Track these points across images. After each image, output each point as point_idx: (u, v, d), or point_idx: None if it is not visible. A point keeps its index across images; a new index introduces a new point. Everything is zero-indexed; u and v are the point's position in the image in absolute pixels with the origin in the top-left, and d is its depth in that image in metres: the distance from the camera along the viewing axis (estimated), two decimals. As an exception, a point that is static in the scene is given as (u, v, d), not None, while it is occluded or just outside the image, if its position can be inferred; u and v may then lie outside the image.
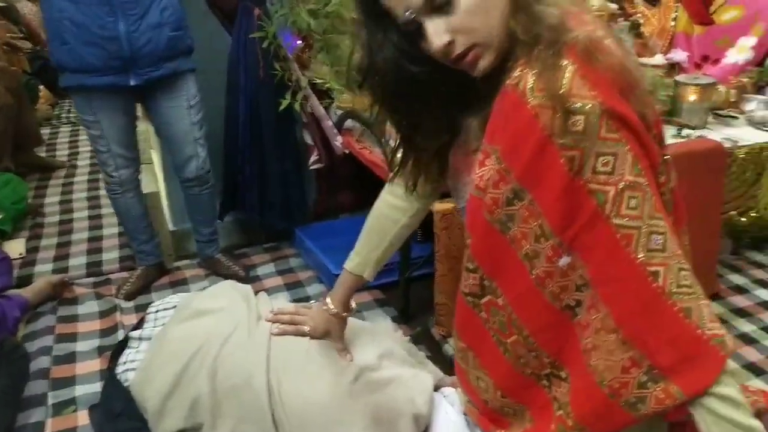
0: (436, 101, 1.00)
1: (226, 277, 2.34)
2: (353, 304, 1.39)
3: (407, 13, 0.87)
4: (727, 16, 2.82)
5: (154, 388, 1.37)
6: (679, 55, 2.88)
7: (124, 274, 2.38)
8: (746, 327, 2.10)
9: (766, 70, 2.80)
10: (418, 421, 1.36)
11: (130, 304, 2.21)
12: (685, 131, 2.29)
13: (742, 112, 2.53)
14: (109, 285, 2.33)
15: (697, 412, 0.87)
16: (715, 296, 2.26)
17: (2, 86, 3.02)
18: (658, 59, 2.74)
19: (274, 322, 1.43)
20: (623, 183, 0.84)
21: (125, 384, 1.44)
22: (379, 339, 1.52)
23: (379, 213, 1.30)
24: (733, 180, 2.26)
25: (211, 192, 2.32)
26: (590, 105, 0.82)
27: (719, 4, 2.82)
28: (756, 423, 0.85)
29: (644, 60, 2.73)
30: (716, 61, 2.89)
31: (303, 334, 1.40)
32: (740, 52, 2.81)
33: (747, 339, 2.04)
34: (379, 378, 1.38)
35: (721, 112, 2.50)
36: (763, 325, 2.11)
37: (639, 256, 0.85)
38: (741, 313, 2.18)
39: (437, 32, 0.87)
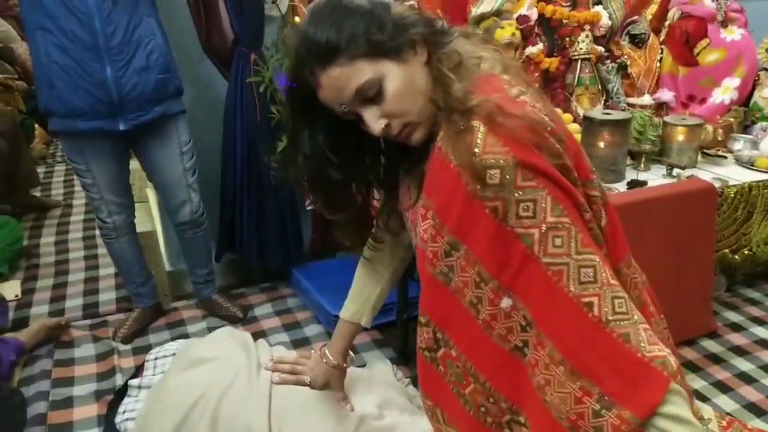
0: (354, 177, 1.10)
1: (224, 318, 2.35)
2: (351, 354, 1.40)
3: (342, 107, 0.96)
4: (710, 57, 2.90)
5: (153, 439, 1.37)
6: (666, 94, 2.95)
7: (121, 316, 2.38)
8: (745, 366, 2.11)
9: (751, 109, 2.88)
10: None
11: (128, 346, 2.20)
12: (675, 171, 2.34)
13: (730, 151, 2.60)
14: (106, 327, 2.33)
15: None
16: (712, 334, 2.29)
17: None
18: (646, 99, 2.80)
19: (274, 371, 1.44)
20: (545, 225, 0.91)
21: (124, 433, 1.44)
22: (378, 386, 1.54)
23: (365, 269, 1.34)
24: (725, 218, 2.31)
25: (205, 234, 2.34)
26: (503, 159, 0.90)
27: (702, 46, 2.90)
28: None
29: (632, 100, 2.80)
30: (702, 101, 2.97)
31: (303, 384, 1.40)
32: (725, 92, 2.89)
33: (746, 378, 2.05)
34: (379, 426, 1.39)
35: (709, 151, 2.56)
36: (761, 363, 2.13)
37: (571, 290, 0.90)
38: (739, 351, 2.20)
39: (373, 119, 0.97)
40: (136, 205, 2.31)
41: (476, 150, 0.90)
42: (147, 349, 2.02)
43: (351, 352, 1.39)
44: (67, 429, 1.80)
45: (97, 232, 2.30)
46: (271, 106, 2.30)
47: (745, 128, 2.80)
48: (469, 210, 0.94)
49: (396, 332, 2.19)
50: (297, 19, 2.38)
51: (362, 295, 1.33)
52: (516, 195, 0.90)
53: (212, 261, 2.44)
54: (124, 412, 1.49)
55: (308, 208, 2.48)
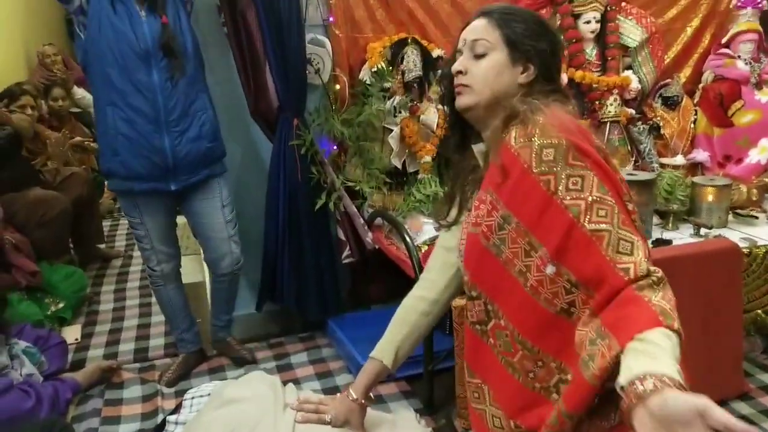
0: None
1: (235, 360, 2.49)
2: (372, 396, 1.49)
3: (461, 45, 1.23)
4: (745, 118, 2.95)
5: (185, 471, 1.48)
6: (701, 155, 2.99)
7: (168, 360, 2.54)
8: (775, 429, 2.07)
9: (788, 169, 2.87)
10: None
11: (171, 390, 2.35)
12: (703, 230, 2.36)
13: (764, 211, 2.59)
14: (153, 370, 2.49)
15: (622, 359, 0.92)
16: (744, 396, 2.25)
17: (68, 193, 3.35)
18: (679, 159, 2.84)
19: (299, 410, 1.54)
20: (591, 197, 1.03)
21: (160, 466, 1.56)
22: (398, 426, 1.61)
23: (406, 305, 1.45)
24: (755, 278, 2.30)
25: (237, 282, 2.50)
26: (557, 140, 1.05)
27: (737, 107, 2.95)
28: (672, 361, 0.88)
29: (665, 160, 2.85)
30: (739, 161, 2.99)
31: (324, 422, 1.50)
32: (762, 152, 2.91)
33: (776, 441, 2.01)
34: (396, 468, 1.46)
35: (741, 211, 2.57)
36: (792, 426, 2.08)
37: (609, 255, 1.00)
38: (770, 413, 2.16)
39: (462, 61, 1.21)
40: (186, 257, 2.50)
41: (535, 135, 1.07)
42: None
43: (371, 395, 1.48)
44: (111, 463, 1.94)
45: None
46: (311, 167, 2.47)
47: (783, 188, 2.78)
48: (523, 185, 1.08)
49: (423, 384, 2.25)
50: (338, 86, 2.58)
51: (392, 336, 1.43)
52: (567, 170, 1.04)
53: (233, 309, 2.58)
54: (160, 445, 1.62)
55: (345, 261, 2.62)
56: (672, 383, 0.82)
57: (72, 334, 2.75)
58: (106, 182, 4.60)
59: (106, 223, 4.30)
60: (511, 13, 1.21)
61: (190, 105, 2.14)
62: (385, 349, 1.43)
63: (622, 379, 0.87)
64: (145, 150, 2.10)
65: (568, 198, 1.04)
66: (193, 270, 2.67)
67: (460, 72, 1.20)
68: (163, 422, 1.70)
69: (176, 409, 1.74)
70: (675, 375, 0.84)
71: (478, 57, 1.19)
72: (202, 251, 2.94)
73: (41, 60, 4.90)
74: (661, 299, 0.96)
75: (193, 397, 1.74)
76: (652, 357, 0.87)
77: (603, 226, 1.02)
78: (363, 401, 1.47)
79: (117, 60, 2.03)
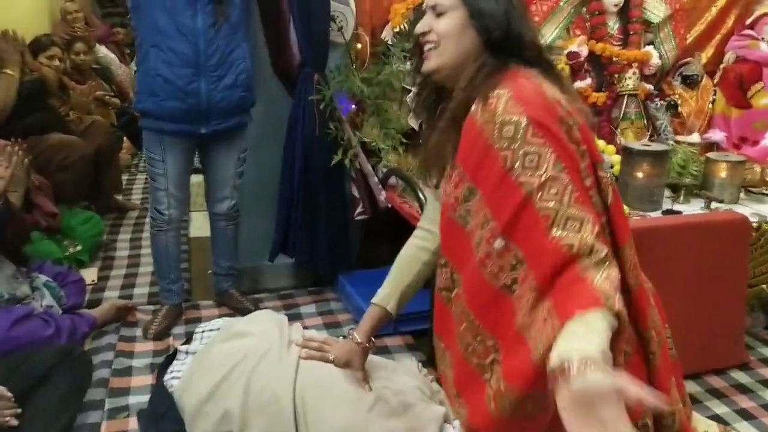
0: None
1: (236, 310, 2.54)
2: (373, 340, 1.54)
3: (425, 5, 1.24)
4: (764, 101, 2.94)
5: (193, 394, 1.55)
6: (717, 134, 2.99)
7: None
8: (773, 398, 2.12)
9: (803, 152, 2.87)
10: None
11: (182, 330, 2.42)
12: (714, 204, 2.39)
13: (776, 190, 2.60)
14: (166, 313, 2.56)
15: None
16: (744, 366, 2.29)
17: (90, 141, 3.42)
18: (695, 137, 2.86)
19: (303, 347, 1.60)
20: (546, 176, 1.05)
21: (170, 390, 1.62)
22: (400, 376, 1.66)
23: (405, 253, 1.49)
24: (762, 254, 2.32)
25: (235, 228, 2.56)
26: (517, 117, 1.07)
27: (756, 89, 2.94)
28: (601, 342, 0.90)
29: (680, 138, 2.86)
30: (755, 143, 2.99)
31: (327, 361, 1.56)
32: (778, 134, 2.90)
33: (770, 409, 2.06)
34: (394, 407, 1.51)
35: (754, 189, 2.58)
36: (790, 397, 2.12)
37: (555, 233, 1.02)
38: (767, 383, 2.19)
39: (423, 22, 1.23)
40: (198, 213, 2.56)
41: (498, 110, 1.09)
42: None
43: (372, 339, 1.54)
44: (124, 393, 2.02)
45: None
46: (329, 122, 2.51)
47: (797, 171, 2.79)
48: (484, 158, 1.11)
49: (427, 339, 2.30)
50: (359, 45, 2.61)
51: (394, 283, 1.49)
52: (525, 148, 1.06)
53: (236, 257, 2.63)
54: (171, 372, 1.67)
55: (357, 218, 2.66)
56: (595, 365, 0.84)
57: (89, 275, 2.83)
58: (124, 138, 4.72)
59: (123, 177, 4.36)
60: None
61: (230, 53, 2.20)
62: (389, 296, 1.49)
63: (553, 358, 0.89)
64: (181, 93, 2.17)
65: (523, 175, 1.06)
66: (204, 225, 2.72)
67: (425, 32, 1.22)
68: (175, 352, 1.77)
69: (187, 341, 1.81)
70: (598, 357, 0.85)
71: (439, 16, 1.20)
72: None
73: (63, 16, 4.95)
74: (605, 280, 0.98)
75: (203, 331, 1.81)
76: (580, 338, 0.90)
77: (552, 204, 1.03)
78: (366, 345, 1.53)
79: (164, 3, 2.09)
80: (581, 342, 0.88)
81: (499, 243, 1.09)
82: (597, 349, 0.87)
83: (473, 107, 1.16)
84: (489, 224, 1.10)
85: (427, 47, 1.23)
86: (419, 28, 1.23)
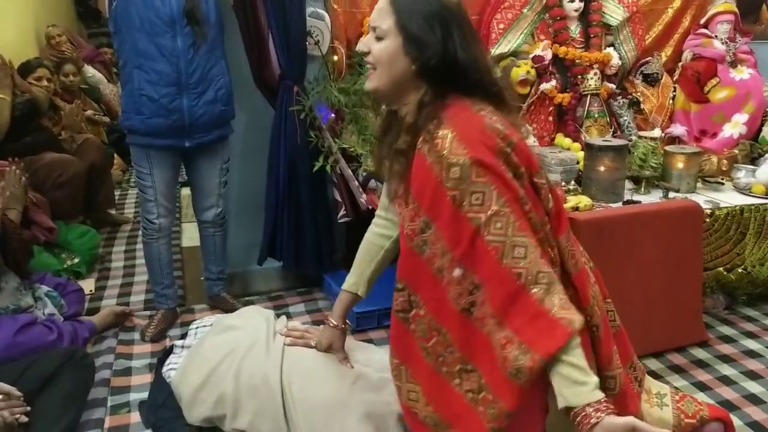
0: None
1: (229, 312, 2.65)
2: (348, 323, 1.70)
3: (369, 25, 1.32)
4: (720, 95, 3.12)
5: (189, 383, 1.69)
6: (678, 129, 3.16)
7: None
8: (728, 371, 2.28)
9: (759, 143, 3.05)
10: (403, 420, 1.62)
11: (177, 332, 2.56)
12: (672, 194, 2.56)
13: (731, 180, 2.78)
14: (162, 318, 2.70)
15: (553, 377, 1.13)
16: (703, 344, 2.45)
17: (84, 159, 3.56)
18: (656, 132, 3.03)
19: (287, 336, 1.75)
20: (491, 211, 1.18)
21: (168, 381, 1.77)
22: (378, 353, 1.82)
23: (367, 240, 1.65)
24: (717, 238, 2.49)
25: (223, 235, 2.71)
26: (463, 159, 1.18)
27: (713, 84, 3.12)
28: (593, 379, 1.12)
29: (643, 133, 3.02)
30: (714, 135, 3.17)
31: (309, 346, 1.71)
32: (734, 126, 3.09)
33: (726, 380, 2.22)
34: (374, 382, 1.66)
35: (710, 179, 2.75)
36: (744, 369, 2.28)
37: (505, 262, 1.16)
38: (725, 359, 2.36)
39: (365, 42, 1.32)
40: (187, 225, 2.71)
41: (444, 152, 1.20)
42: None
43: (348, 322, 1.69)
44: (125, 391, 2.16)
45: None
46: (310, 131, 2.66)
47: (753, 160, 2.96)
48: (437, 196, 1.23)
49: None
50: (335, 57, 2.77)
51: (359, 269, 1.64)
52: (471, 188, 1.19)
53: (225, 262, 2.78)
54: (168, 364, 1.81)
55: (341, 221, 2.81)
56: (605, 407, 1.09)
57: (86, 286, 2.95)
58: (114, 155, 4.85)
59: (116, 193, 4.49)
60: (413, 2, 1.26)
61: (209, 70, 2.35)
62: (358, 283, 1.64)
63: (563, 404, 1.12)
64: (165, 110, 2.31)
65: (471, 212, 1.18)
66: (195, 235, 2.84)
67: (365, 53, 1.32)
68: (172, 347, 1.91)
69: (182, 337, 1.95)
70: (600, 395, 1.11)
71: (378, 39, 1.28)
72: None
73: (48, 41, 5.08)
74: (560, 306, 1.13)
75: (197, 327, 1.95)
76: (580, 383, 1.11)
77: (498, 238, 1.17)
78: (342, 326, 1.68)
79: (144, 26, 2.23)
80: (582, 388, 1.11)
81: (457, 272, 1.23)
82: (596, 387, 1.11)
83: (419, 144, 1.25)
84: (447, 255, 1.23)
85: (367, 67, 1.33)
86: (360, 46, 1.37)
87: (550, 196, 1.33)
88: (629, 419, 1.06)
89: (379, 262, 1.61)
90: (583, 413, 1.09)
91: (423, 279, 1.31)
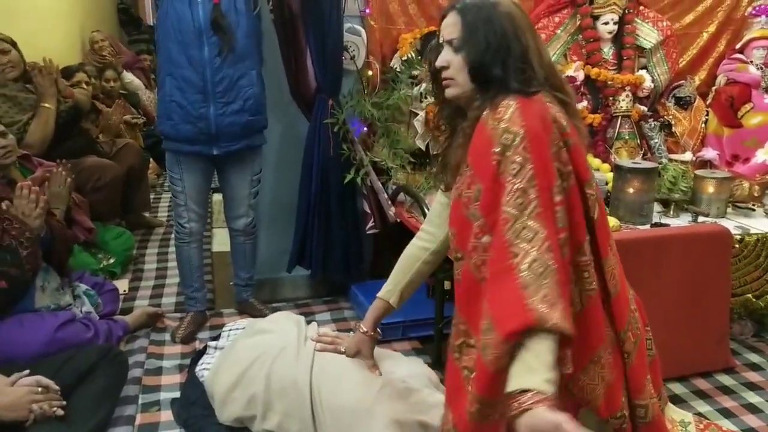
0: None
1: (257, 318, 2.71)
2: (379, 331, 1.73)
3: (441, 39, 1.35)
4: (754, 120, 3.10)
5: (222, 383, 1.75)
6: (710, 153, 3.16)
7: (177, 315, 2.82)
8: (754, 399, 2.26)
9: (791, 169, 3.02)
10: (427, 429, 1.66)
11: (206, 335, 2.62)
12: (701, 218, 2.55)
13: (763, 206, 2.77)
14: (192, 320, 2.77)
15: (512, 363, 1.08)
16: (729, 371, 2.43)
17: (122, 163, 3.67)
18: (687, 156, 3.04)
19: (317, 341, 1.80)
20: (518, 185, 1.17)
21: (201, 380, 1.83)
22: (405, 362, 1.86)
23: (408, 252, 1.66)
24: (747, 264, 2.48)
25: (254, 243, 2.77)
26: (517, 129, 1.19)
27: (746, 110, 3.11)
28: (550, 374, 1.04)
29: (674, 156, 3.03)
30: (746, 160, 3.15)
31: (339, 352, 1.76)
32: (767, 152, 3.06)
33: (752, 408, 2.21)
34: (400, 390, 1.71)
35: (740, 204, 2.74)
36: (770, 397, 2.26)
37: (507, 236, 1.14)
38: (751, 386, 2.34)
39: (442, 58, 1.34)
40: (220, 229, 2.77)
41: (504, 118, 1.22)
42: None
43: (378, 329, 1.73)
44: (156, 390, 2.23)
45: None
46: (342, 144, 2.73)
47: (784, 187, 2.94)
48: (488, 162, 1.23)
49: (433, 344, 2.49)
50: (370, 72, 2.84)
51: (396, 278, 1.66)
52: (514, 156, 1.19)
53: (254, 268, 2.84)
54: (202, 364, 1.88)
55: (369, 232, 2.86)
56: (543, 398, 1.00)
57: (121, 286, 3.04)
58: (150, 159, 4.98)
59: (151, 195, 4.61)
60: (480, 12, 1.30)
61: (237, 80, 2.42)
62: (392, 291, 1.65)
63: (509, 386, 1.04)
64: (192, 117, 2.40)
65: (505, 179, 1.17)
66: (225, 240, 2.91)
67: (444, 67, 1.34)
68: (205, 347, 1.97)
69: (216, 338, 2.02)
70: (546, 389, 1.01)
71: (457, 50, 1.32)
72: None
73: (91, 45, 5.25)
74: (542, 300, 1.06)
75: (230, 330, 2.02)
76: (529, 369, 1.04)
77: (513, 211, 1.15)
78: (372, 333, 1.72)
79: (176, 36, 2.34)
80: (530, 374, 1.03)
81: (486, 239, 1.22)
82: (544, 379, 1.02)
83: (484, 113, 1.27)
84: (479, 220, 1.24)
85: (445, 82, 1.35)
86: (439, 62, 1.35)
87: (597, 207, 1.31)
88: (559, 417, 0.98)
89: (414, 274, 1.63)
90: (521, 398, 1.01)
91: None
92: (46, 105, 3.11)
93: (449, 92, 1.36)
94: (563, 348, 1.09)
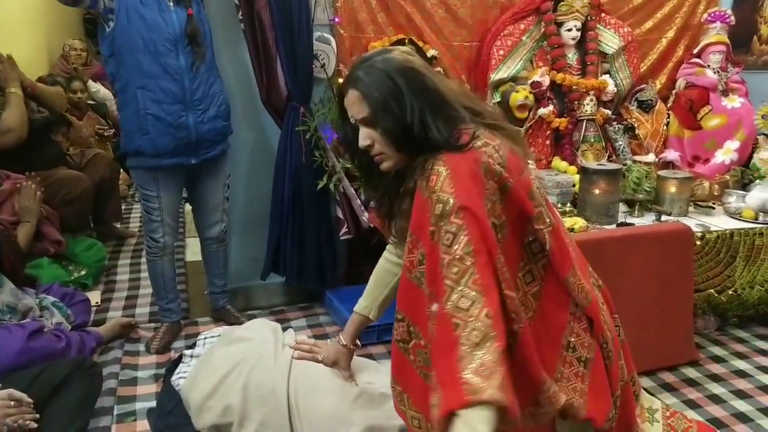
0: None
1: (233, 324, 2.71)
2: (358, 343, 1.76)
3: (352, 119, 1.34)
4: (712, 122, 3.22)
5: (198, 390, 1.76)
6: (672, 154, 3.26)
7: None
8: (718, 390, 2.34)
9: (750, 169, 3.14)
10: (403, 433, 1.69)
11: (182, 344, 2.62)
12: (664, 217, 2.64)
13: (722, 204, 2.86)
14: (166, 330, 2.76)
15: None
16: (694, 363, 2.51)
17: (93, 174, 3.64)
18: (650, 157, 3.13)
19: (296, 349, 1.82)
20: (454, 255, 1.17)
21: (177, 388, 1.83)
22: (381, 371, 1.88)
23: (380, 267, 1.69)
24: (708, 261, 2.57)
25: (225, 249, 2.79)
26: (447, 197, 1.20)
27: (705, 112, 3.22)
28: None
29: (637, 158, 3.13)
30: (706, 161, 3.26)
31: (317, 361, 1.78)
32: (726, 153, 3.19)
33: (716, 399, 2.29)
34: (376, 398, 1.72)
35: (701, 203, 2.84)
36: (733, 388, 2.34)
37: (447, 308, 1.15)
38: (715, 378, 2.42)
39: (363, 137, 1.33)
40: (192, 239, 2.80)
41: (436, 187, 1.23)
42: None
43: (358, 341, 1.75)
44: (131, 400, 2.22)
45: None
46: (315, 151, 2.75)
47: (744, 186, 3.05)
48: (426, 231, 1.24)
49: (409, 346, 2.52)
50: (341, 80, 2.87)
51: (373, 294, 1.69)
52: (447, 226, 1.19)
53: (227, 275, 2.85)
54: (178, 373, 1.87)
55: (343, 238, 2.89)
56: None
57: (93, 298, 3.00)
58: (120, 170, 4.93)
59: (122, 206, 4.58)
60: (376, 79, 1.27)
61: (210, 87, 2.44)
62: (370, 306, 1.69)
63: None
64: (172, 128, 2.37)
65: (440, 250, 1.18)
66: (199, 249, 2.91)
67: (369, 145, 1.32)
68: (180, 356, 1.97)
69: (191, 346, 2.01)
70: None
71: (373, 126, 1.30)
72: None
73: (66, 52, 5.18)
74: (474, 372, 1.06)
75: (206, 337, 2.02)
76: None
77: (449, 283, 1.15)
78: (351, 347, 1.74)
79: (147, 46, 2.29)
80: None
81: (435, 307, 1.19)
82: None
83: (419, 182, 1.27)
84: (426, 289, 1.23)
85: (377, 158, 1.34)
86: (362, 142, 1.32)
87: (548, 237, 1.33)
88: None
89: (391, 289, 1.65)
90: None
91: (421, 310, 1.28)
92: (13, 90, 3.04)
93: (384, 166, 1.35)
94: (507, 413, 1.08)
